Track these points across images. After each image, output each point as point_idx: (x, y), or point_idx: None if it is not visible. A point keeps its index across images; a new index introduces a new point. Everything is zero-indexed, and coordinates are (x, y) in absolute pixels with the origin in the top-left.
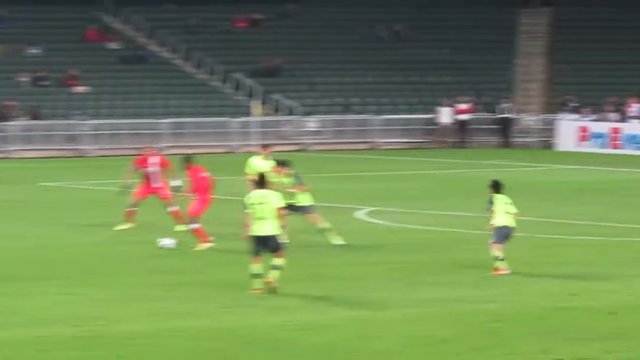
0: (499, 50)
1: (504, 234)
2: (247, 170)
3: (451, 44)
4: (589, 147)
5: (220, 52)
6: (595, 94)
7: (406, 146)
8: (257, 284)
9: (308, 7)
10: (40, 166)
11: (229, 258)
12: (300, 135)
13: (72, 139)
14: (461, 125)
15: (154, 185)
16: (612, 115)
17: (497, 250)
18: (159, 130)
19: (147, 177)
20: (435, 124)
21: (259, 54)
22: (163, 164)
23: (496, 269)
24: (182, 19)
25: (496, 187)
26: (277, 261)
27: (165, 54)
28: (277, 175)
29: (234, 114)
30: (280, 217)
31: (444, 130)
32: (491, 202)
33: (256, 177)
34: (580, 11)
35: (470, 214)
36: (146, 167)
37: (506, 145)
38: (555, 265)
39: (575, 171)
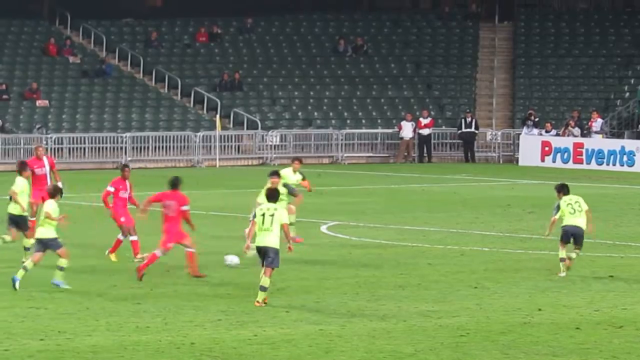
0: (461, 64)
1: (569, 234)
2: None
3: (413, 59)
4: (551, 162)
5: (181, 66)
6: (556, 109)
7: (368, 160)
8: (260, 296)
9: (268, 21)
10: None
11: None
12: (262, 150)
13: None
14: (423, 140)
15: (42, 187)
16: (575, 130)
17: (562, 251)
18: (121, 144)
19: (36, 180)
20: (397, 138)
21: (220, 68)
22: (51, 166)
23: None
24: (142, 32)
25: (563, 189)
26: (265, 282)
27: (126, 68)
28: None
29: (195, 128)
30: (285, 232)
31: (406, 144)
32: (558, 208)
33: (267, 191)
34: (541, 26)
35: (433, 229)
36: (36, 168)
37: (468, 159)
38: (520, 279)
39: (538, 186)
